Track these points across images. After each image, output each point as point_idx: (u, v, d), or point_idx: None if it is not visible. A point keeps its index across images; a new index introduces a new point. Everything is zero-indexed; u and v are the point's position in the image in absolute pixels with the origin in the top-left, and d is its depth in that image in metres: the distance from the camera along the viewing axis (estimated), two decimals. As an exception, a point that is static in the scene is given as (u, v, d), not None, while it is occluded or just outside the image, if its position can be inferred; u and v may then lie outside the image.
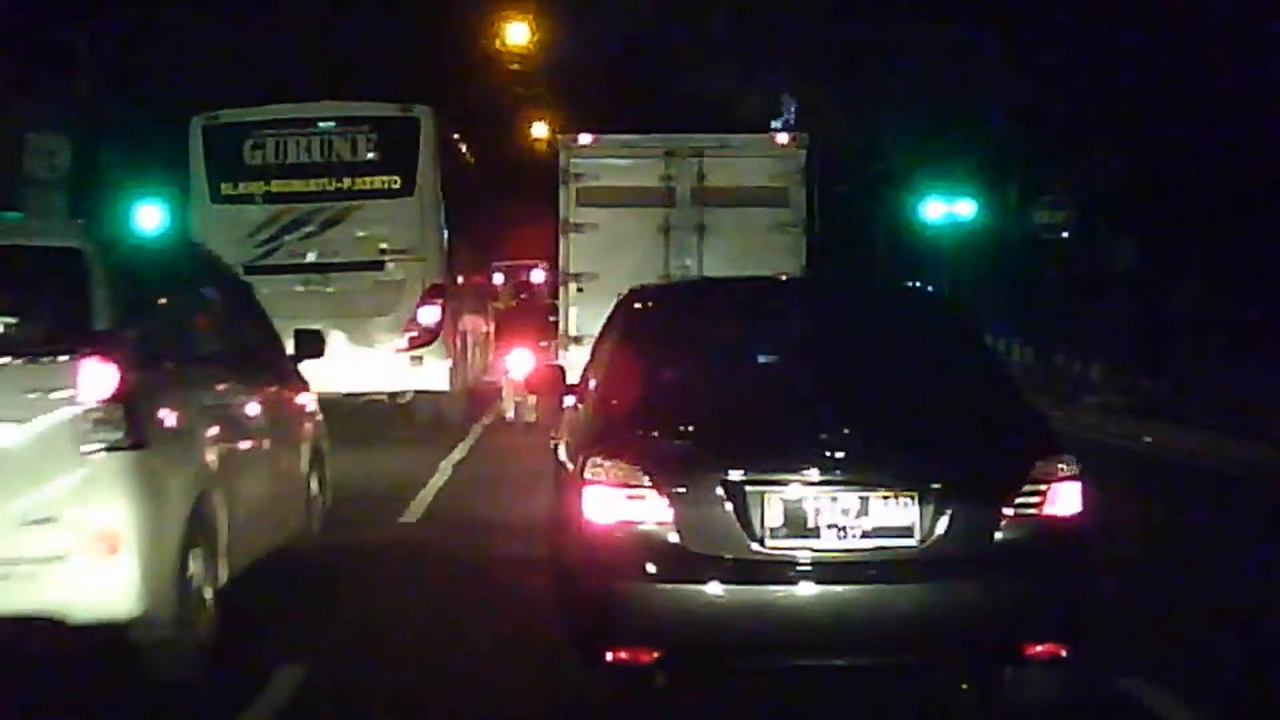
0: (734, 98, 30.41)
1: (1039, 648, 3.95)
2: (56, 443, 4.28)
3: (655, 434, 4.05)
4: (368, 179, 12.62)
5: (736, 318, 4.81)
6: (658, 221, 12.01)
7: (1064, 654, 3.98)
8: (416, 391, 12.43)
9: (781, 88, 29.01)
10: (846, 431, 3.98)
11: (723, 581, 3.85)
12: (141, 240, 5.97)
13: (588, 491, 3.95)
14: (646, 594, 3.89)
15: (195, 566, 4.61)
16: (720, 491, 3.85)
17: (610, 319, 5.05)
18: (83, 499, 4.27)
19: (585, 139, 12.47)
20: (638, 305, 4.94)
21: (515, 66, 30.08)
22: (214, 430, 5.00)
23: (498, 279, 20.42)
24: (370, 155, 12.68)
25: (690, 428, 4.08)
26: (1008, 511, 3.91)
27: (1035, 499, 3.93)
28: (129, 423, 4.30)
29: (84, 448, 4.28)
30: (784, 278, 8.31)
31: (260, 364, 5.97)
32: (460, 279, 13.80)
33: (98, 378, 4.29)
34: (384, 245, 12.41)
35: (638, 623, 3.91)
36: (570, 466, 4.20)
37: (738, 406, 4.23)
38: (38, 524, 4.25)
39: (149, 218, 14.94)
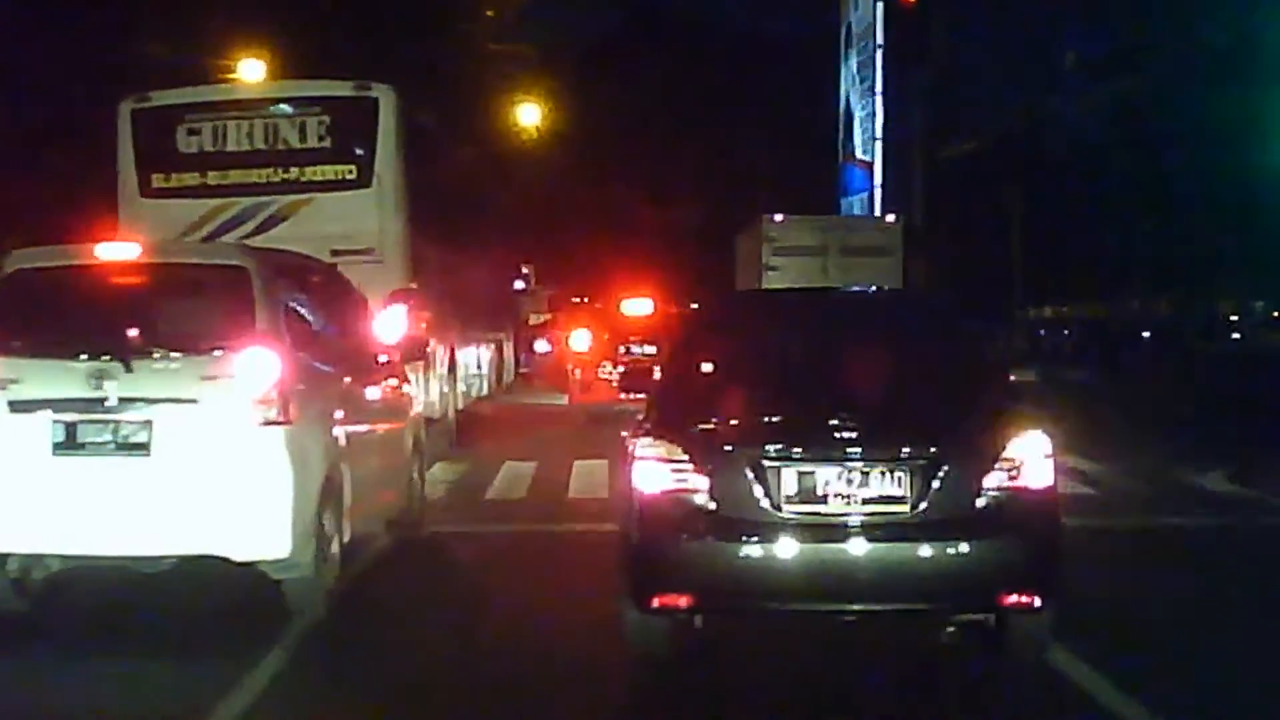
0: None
1: (1014, 598, 6.93)
2: (225, 419, 8.21)
3: (695, 420, 7.23)
4: (319, 169, 16.12)
5: (766, 323, 8.59)
6: (819, 265, 26.88)
7: (1036, 604, 6.96)
8: None
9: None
10: (850, 417, 7.07)
11: (747, 540, 6.93)
12: (284, 259, 9.91)
13: (638, 467, 7.13)
14: (685, 550, 6.99)
15: (327, 523, 8.63)
16: (746, 466, 6.94)
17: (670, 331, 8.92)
18: (245, 464, 8.20)
19: (778, 218, 27.96)
20: (689, 319, 9.08)
21: (490, 13, 34.57)
22: (340, 416, 9.18)
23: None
24: (322, 141, 16.19)
25: (723, 415, 7.30)
26: (987, 483, 6.92)
27: (1011, 472, 6.95)
28: (282, 404, 8.27)
29: (246, 423, 8.20)
30: (810, 288, 13.04)
31: (374, 365, 10.39)
32: (436, 285, 17.45)
33: (258, 368, 8.23)
34: (336, 245, 15.16)
35: (678, 574, 7.02)
36: (629, 449, 7.44)
37: (762, 397, 7.45)
38: (209, 482, 8.14)
39: None
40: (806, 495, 6.95)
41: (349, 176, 16.22)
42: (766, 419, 7.27)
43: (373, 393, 10.39)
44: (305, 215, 15.98)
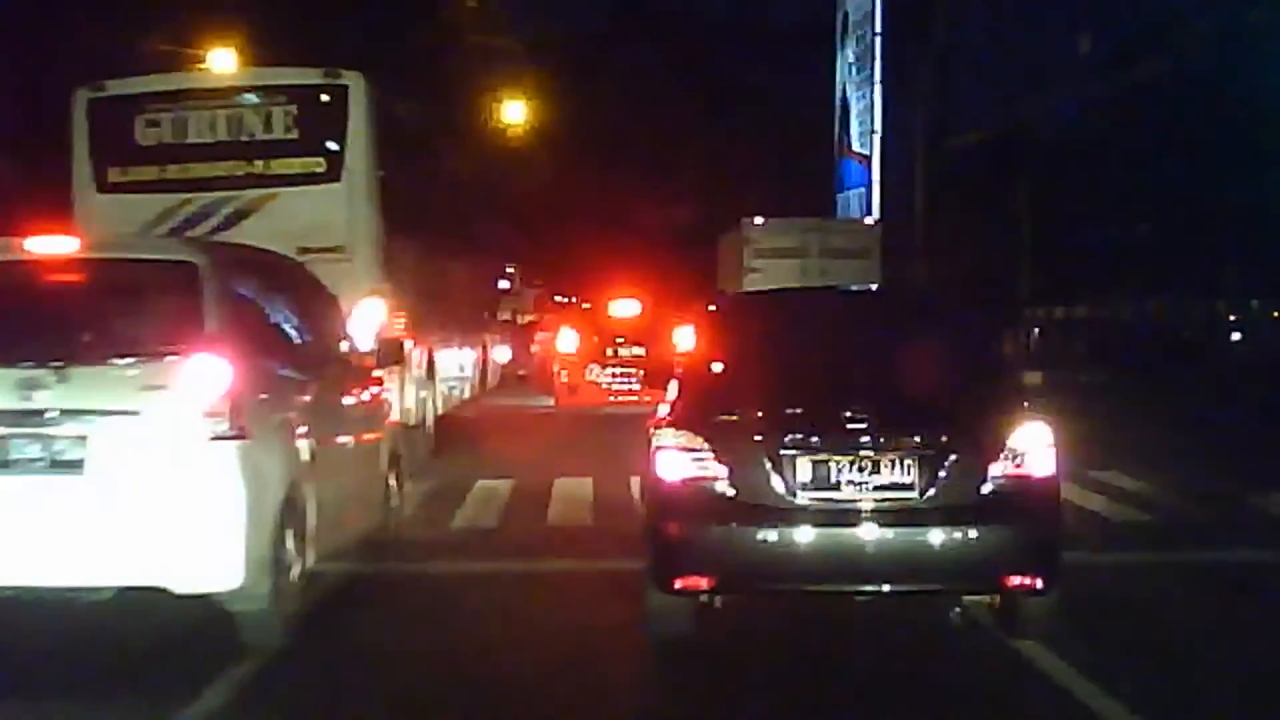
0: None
1: (1017, 580, 7.47)
2: (169, 433, 7.50)
3: (714, 412, 7.75)
4: (285, 161, 15.50)
5: (781, 317, 9.17)
6: (799, 266, 27.96)
7: (1039, 585, 7.49)
8: None
9: None
10: (862, 409, 7.54)
11: (764, 525, 7.43)
12: (241, 253, 9.20)
13: (661, 455, 7.64)
14: (706, 534, 7.53)
15: (287, 549, 7.93)
16: (764, 455, 7.45)
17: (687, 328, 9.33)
18: (191, 483, 7.48)
19: (759, 220, 29.17)
20: (708, 312, 9.36)
21: (472, 4, 33.52)
22: (304, 427, 8.45)
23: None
24: (288, 132, 15.55)
25: (741, 405, 7.78)
26: (992, 471, 7.45)
27: (1015, 461, 7.48)
28: (234, 416, 7.54)
29: (194, 437, 7.48)
30: (821, 288, 15.28)
31: (343, 369, 9.70)
32: (413, 285, 16.83)
33: (208, 376, 7.50)
34: (304, 243, 14.43)
35: (699, 557, 7.54)
36: (652, 436, 7.87)
37: (778, 390, 7.88)
38: (150, 504, 7.42)
39: None
40: (821, 483, 7.44)
41: (318, 170, 15.55)
42: (783, 411, 7.69)
43: (343, 401, 9.68)
44: (271, 211, 15.32)
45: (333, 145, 15.52)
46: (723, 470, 7.50)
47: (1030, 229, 28.08)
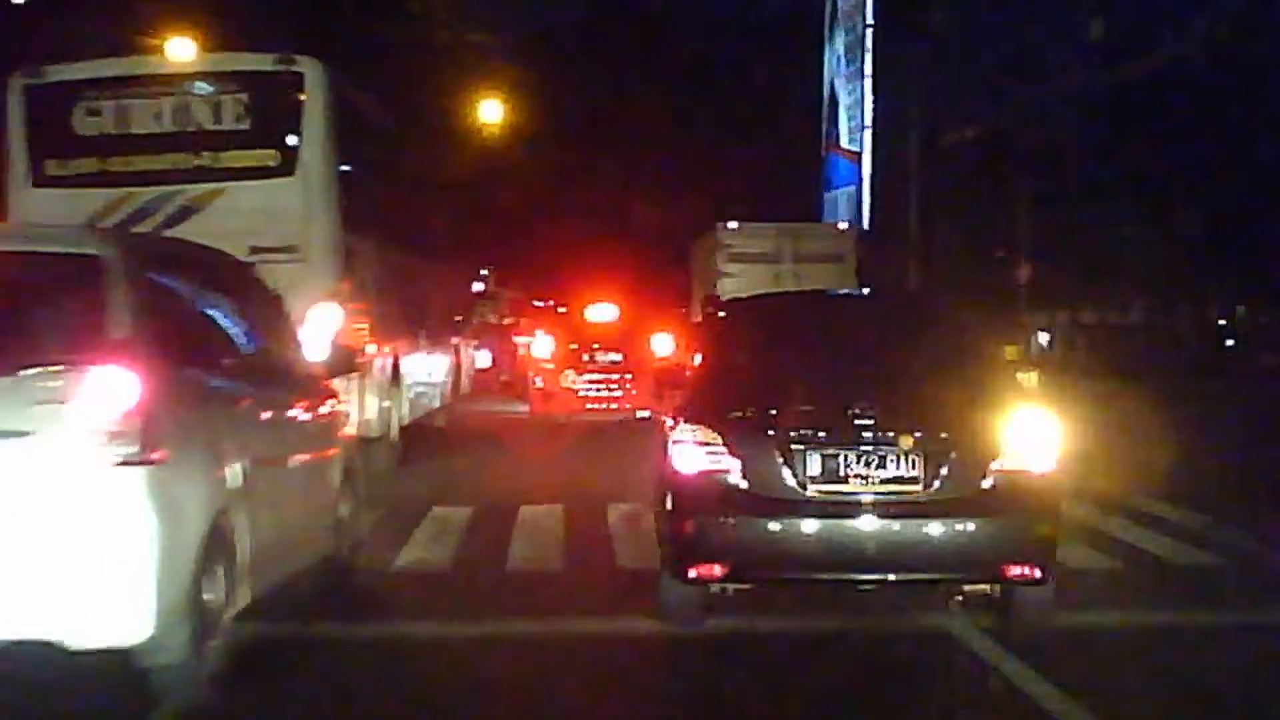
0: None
1: (1016, 570, 7.86)
2: (67, 456, 6.49)
3: (728, 407, 8.21)
4: (235, 154, 14.79)
5: (788, 319, 9.73)
6: (773, 271, 27.57)
7: (1037, 575, 7.88)
8: None
9: None
10: (869, 405, 8.02)
11: (775, 516, 7.88)
12: (164, 247, 8.17)
13: (677, 449, 8.10)
14: (720, 524, 7.95)
15: (211, 589, 6.93)
16: (775, 449, 7.92)
17: (698, 326, 9.50)
18: (92, 517, 6.47)
19: (733, 225, 28.96)
20: (718, 315, 9.99)
21: None
22: (236, 446, 7.43)
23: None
24: (239, 123, 14.86)
25: (753, 402, 8.24)
26: (994, 466, 7.92)
27: (1014, 456, 7.94)
28: (144, 436, 6.54)
29: (96, 462, 6.49)
30: (826, 291, 16.24)
31: (289, 380, 8.74)
32: (375, 287, 16.03)
33: (113, 388, 6.52)
34: (255, 242, 13.70)
35: (713, 546, 7.96)
36: (668, 432, 8.35)
37: (788, 388, 8.26)
38: (43, 543, 6.43)
39: None
40: (829, 476, 7.90)
41: (271, 163, 14.85)
42: (793, 407, 8.06)
43: (286, 415, 8.65)
44: (220, 207, 14.59)
45: (287, 137, 14.86)
46: (736, 463, 7.94)
47: (1029, 229, 27.23)
